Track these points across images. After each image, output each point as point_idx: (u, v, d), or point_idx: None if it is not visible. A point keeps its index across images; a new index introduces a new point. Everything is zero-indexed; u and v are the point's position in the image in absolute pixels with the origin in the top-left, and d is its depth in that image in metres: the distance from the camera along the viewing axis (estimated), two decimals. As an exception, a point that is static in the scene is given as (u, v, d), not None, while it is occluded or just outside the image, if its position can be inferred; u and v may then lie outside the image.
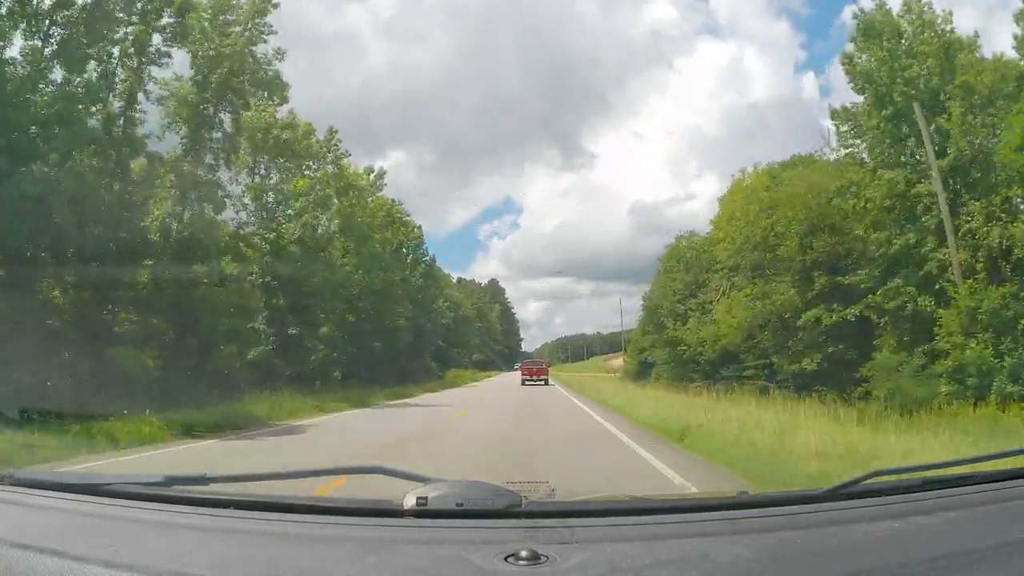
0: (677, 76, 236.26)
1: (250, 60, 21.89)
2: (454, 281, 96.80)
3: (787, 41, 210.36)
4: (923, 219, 23.08)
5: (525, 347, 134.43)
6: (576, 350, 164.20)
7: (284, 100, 24.64)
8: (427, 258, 52.34)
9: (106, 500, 1.63)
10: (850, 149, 26.45)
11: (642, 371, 44.18)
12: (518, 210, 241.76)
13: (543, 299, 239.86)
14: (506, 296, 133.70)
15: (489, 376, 75.11)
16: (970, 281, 20.93)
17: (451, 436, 13.87)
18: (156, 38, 18.85)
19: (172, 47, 19.22)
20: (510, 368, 79.50)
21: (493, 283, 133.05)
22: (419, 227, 50.12)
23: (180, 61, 20.19)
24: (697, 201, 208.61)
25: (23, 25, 15.91)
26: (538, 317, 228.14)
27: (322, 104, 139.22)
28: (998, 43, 45.74)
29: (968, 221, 21.84)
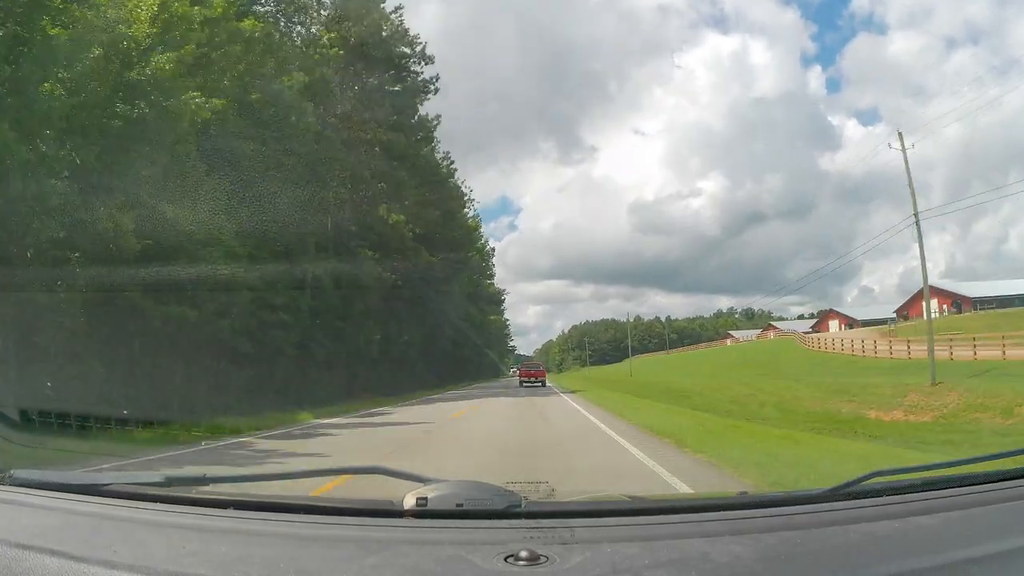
0: (679, 68, 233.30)
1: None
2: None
3: (794, 33, 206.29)
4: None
5: (523, 351, 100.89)
6: (600, 349, 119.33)
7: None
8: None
9: (106, 500, 1.63)
10: None
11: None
12: (515, 211, 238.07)
13: (542, 303, 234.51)
14: (452, 166, 48.54)
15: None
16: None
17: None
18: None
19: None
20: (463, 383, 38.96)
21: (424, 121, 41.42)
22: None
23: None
24: (701, 198, 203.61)
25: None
26: (537, 322, 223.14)
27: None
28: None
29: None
